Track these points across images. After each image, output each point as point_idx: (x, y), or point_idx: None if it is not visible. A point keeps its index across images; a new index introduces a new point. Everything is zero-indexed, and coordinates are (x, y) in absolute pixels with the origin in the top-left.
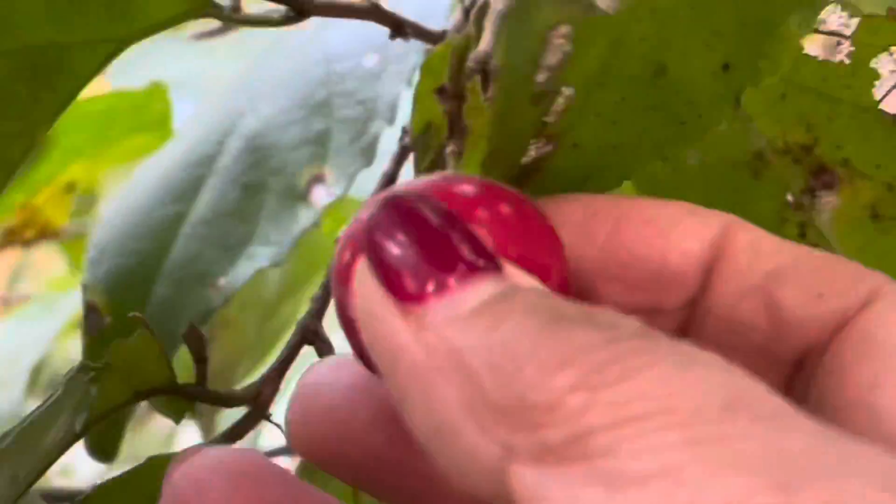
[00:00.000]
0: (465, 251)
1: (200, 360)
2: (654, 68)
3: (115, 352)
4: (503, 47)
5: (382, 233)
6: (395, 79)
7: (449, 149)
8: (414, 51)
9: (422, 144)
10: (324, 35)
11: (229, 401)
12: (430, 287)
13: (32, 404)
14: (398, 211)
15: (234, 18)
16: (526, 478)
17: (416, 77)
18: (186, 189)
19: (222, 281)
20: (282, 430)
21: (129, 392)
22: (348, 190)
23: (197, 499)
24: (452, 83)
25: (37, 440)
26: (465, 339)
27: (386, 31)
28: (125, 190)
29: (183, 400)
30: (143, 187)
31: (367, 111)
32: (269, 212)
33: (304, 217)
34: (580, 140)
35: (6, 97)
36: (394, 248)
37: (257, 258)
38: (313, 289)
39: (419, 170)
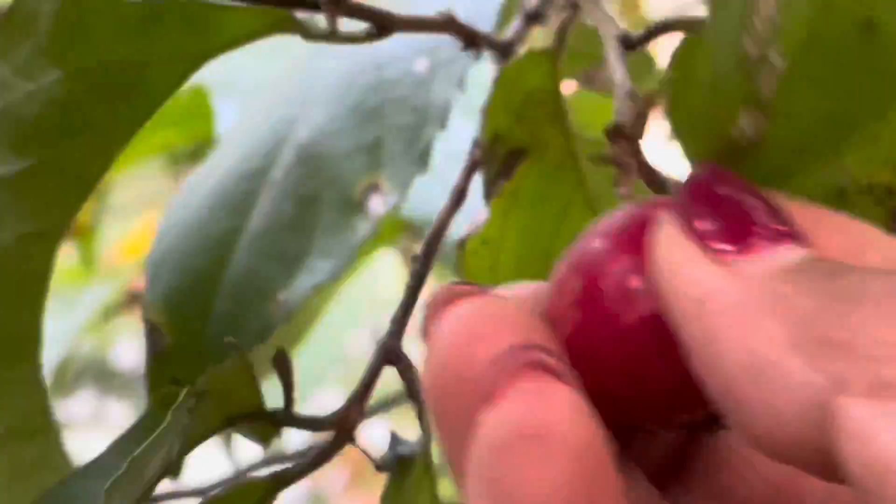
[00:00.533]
0: (771, 219)
1: (287, 384)
2: (861, 25)
3: (211, 379)
4: (711, 6)
5: (693, 202)
6: (445, 84)
7: (621, 191)
8: (463, 54)
9: (490, 154)
10: None
11: (316, 425)
12: (743, 246)
13: (58, 401)
14: (705, 187)
15: (317, 35)
16: (856, 410)
17: (467, 81)
18: (240, 202)
19: (282, 296)
20: (368, 456)
21: (222, 418)
22: (404, 198)
23: (473, 342)
24: (636, 124)
25: (142, 470)
26: (792, 283)
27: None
28: (177, 204)
29: (270, 425)
30: (195, 201)
31: (419, 117)
32: (325, 223)
33: (362, 228)
34: (791, 109)
35: (83, 116)
36: (705, 215)
37: (316, 272)
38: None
39: (488, 180)
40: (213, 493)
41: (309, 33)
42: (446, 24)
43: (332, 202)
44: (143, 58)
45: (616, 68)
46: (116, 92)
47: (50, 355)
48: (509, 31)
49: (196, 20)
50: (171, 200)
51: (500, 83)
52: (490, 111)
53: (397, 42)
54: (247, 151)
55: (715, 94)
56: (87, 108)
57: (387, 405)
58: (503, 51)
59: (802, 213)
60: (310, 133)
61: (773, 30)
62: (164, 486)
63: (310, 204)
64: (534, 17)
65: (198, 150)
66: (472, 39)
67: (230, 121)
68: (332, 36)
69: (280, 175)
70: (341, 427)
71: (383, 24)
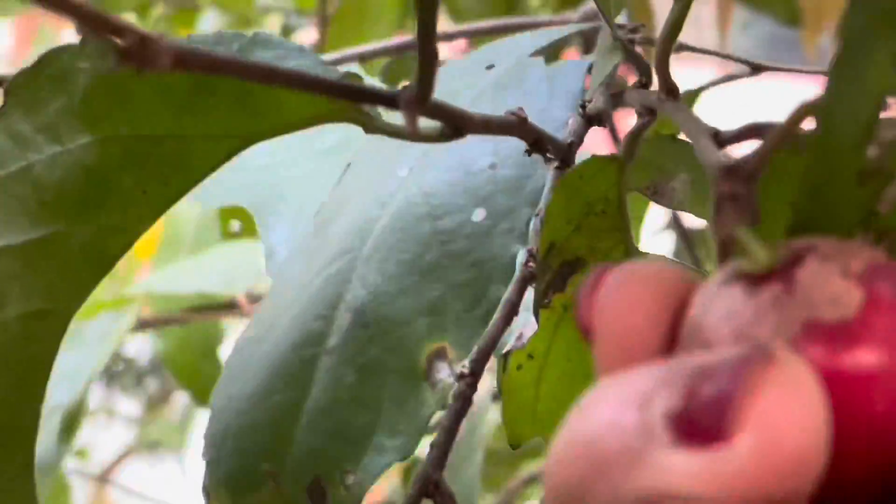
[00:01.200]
0: None
1: None
2: None
3: None
4: (827, 102)
5: None
6: (507, 237)
7: None
8: (523, 204)
9: (543, 265)
10: (421, 181)
11: None
12: None
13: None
14: None
15: (381, 129)
16: None
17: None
18: (298, 373)
19: (351, 479)
20: None
21: None
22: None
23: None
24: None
25: None
26: None
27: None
28: (232, 372)
29: None
30: (250, 370)
31: (482, 274)
32: (391, 395)
33: (430, 400)
34: None
35: (110, 187)
36: None
37: (386, 452)
38: None
39: (539, 291)
40: None
41: (371, 125)
42: (517, 125)
43: (396, 372)
44: (186, 132)
45: (708, 154)
46: (151, 165)
47: (56, 395)
48: (567, 131)
49: (249, 99)
50: (226, 366)
51: (559, 190)
52: (548, 219)
53: (448, 186)
54: (300, 313)
55: (820, 205)
56: (115, 180)
57: None
58: (563, 153)
59: None
60: (366, 293)
61: None
62: None
63: (372, 374)
64: (594, 119)
65: None
66: (538, 142)
67: (276, 240)
68: (392, 128)
69: (338, 341)
70: None
71: (459, 125)
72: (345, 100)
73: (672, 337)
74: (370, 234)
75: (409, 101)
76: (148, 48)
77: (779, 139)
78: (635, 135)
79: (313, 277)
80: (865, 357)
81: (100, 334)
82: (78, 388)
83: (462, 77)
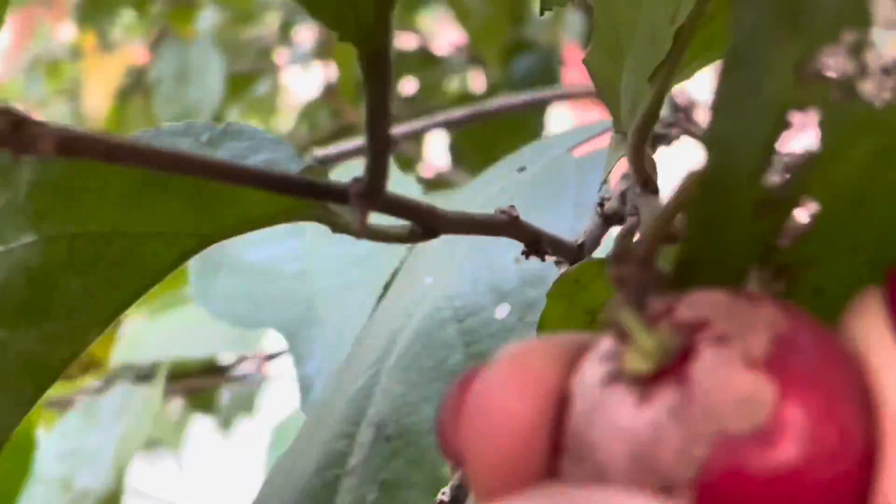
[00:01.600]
0: None
1: None
2: None
3: None
4: (715, 118)
5: None
6: (530, 331)
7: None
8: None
9: None
10: (445, 285)
11: None
12: None
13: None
14: None
15: (346, 229)
16: None
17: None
18: (322, 497)
19: None
20: None
21: None
22: None
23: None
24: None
25: None
26: None
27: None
28: (259, 500)
29: None
30: (277, 499)
31: None
32: None
33: None
34: (825, 283)
35: (53, 290)
36: None
37: None
38: None
39: None
40: None
41: (338, 224)
42: (506, 225)
43: (420, 486)
44: (136, 229)
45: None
46: (99, 267)
47: (80, 480)
48: (580, 232)
49: (205, 195)
50: (256, 499)
51: (554, 297)
52: (545, 325)
53: (472, 284)
54: (324, 434)
55: (711, 239)
56: (61, 282)
57: None
58: (569, 255)
59: None
60: (388, 405)
61: (810, 167)
62: None
63: (396, 490)
64: (612, 219)
65: None
66: (535, 242)
67: (312, 370)
68: (362, 234)
69: (360, 459)
70: None
71: (429, 224)
72: (295, 196)
73: (555, 438)
74: (395, 345)
75: (358, 195)
76: (24, 132)
77: (667, 218)
78: (625, 236)
79: (340, 396)
80: (791, 463)
81: (118, 408)
82: (106, 468)
83: (495, 181)
